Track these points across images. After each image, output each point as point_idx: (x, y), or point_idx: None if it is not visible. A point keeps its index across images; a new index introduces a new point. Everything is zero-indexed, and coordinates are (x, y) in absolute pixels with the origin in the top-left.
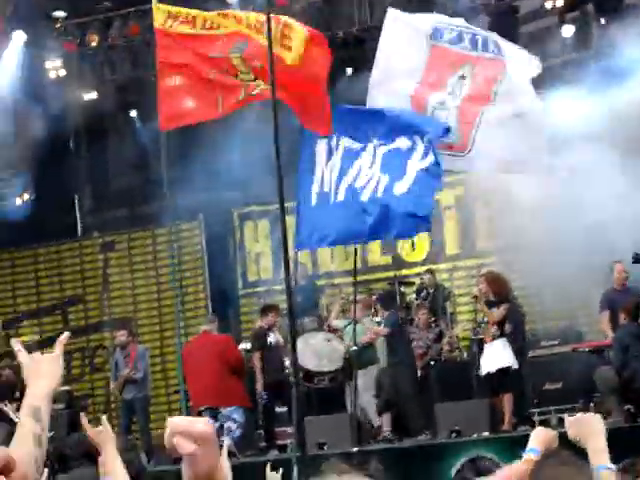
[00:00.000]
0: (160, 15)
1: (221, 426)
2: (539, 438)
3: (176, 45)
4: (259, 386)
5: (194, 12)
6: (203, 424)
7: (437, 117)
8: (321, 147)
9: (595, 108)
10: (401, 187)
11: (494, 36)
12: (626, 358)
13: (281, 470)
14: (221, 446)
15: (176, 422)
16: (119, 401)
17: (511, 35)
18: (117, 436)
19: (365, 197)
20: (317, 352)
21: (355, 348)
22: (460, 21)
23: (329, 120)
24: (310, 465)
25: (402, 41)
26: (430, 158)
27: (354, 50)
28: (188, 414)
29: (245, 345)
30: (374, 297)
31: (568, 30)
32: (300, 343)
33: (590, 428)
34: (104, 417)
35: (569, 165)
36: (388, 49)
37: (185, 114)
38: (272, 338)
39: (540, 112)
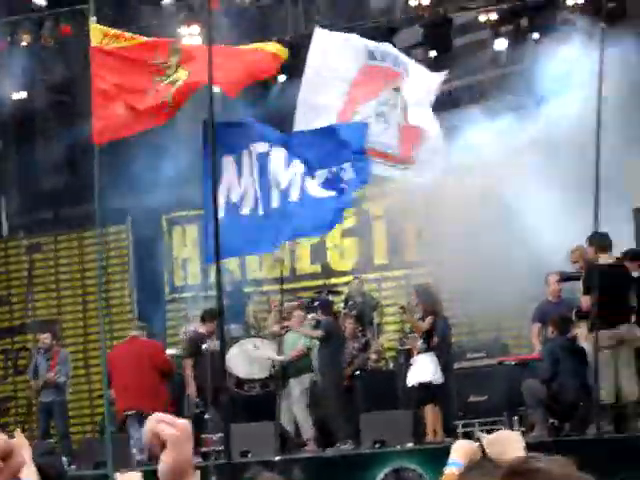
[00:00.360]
0: (97, 34)
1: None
2: (460, 451)
3: (112, 61)
4: (191, 392)
5: (131, 35)
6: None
7: (372, 128)
8: (228, 160)
9: (524, 123)
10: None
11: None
12: (556, 370)
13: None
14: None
15: (159, 415)
16: (37, 404)
17: (444, 46)
18: (36, 440)
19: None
20: (249, 359)
21: (285, 357)
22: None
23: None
24: (232, 473)
25: (330, 58)
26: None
27: (288, 57)
28: (112, 419)
29: (172, 351)
30: (316, 302)
31: (501, 44)
32: (235, 349)
33: (509, 446)
34: (18, 430)
35: (499, 178)
36: (316, 65)
37: (118, 128)
38: (207, 345)
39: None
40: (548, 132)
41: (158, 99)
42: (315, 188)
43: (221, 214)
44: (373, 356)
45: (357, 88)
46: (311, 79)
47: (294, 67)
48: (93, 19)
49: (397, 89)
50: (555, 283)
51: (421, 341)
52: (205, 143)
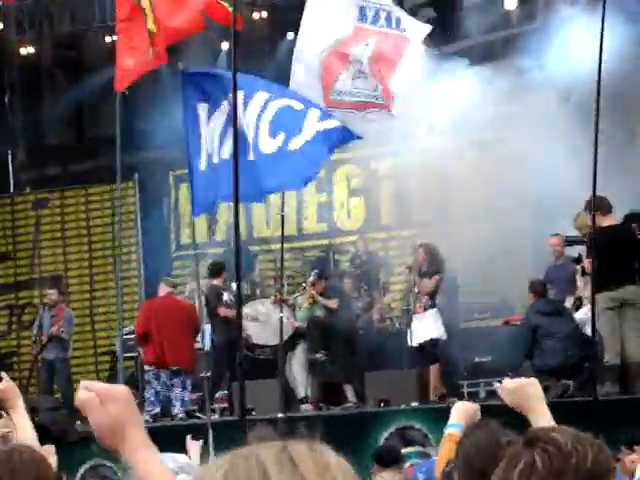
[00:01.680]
0: None
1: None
2: (460, 412)
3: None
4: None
5: None
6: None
7: (357, 84)
8: (201, 108)
9: (536, 82)
10: (296, 143)
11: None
12: (534, 343)
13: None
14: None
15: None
16: (40, 360)
17: (453, 6)
18: (42, 396)
19: (252, 155)
20: (264, 322)
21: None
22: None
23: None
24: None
25: (327, 15)
26: (332, 123)
27: (297, 14)
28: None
29: None
30: (313, 275)
31: (511, 3)
32: (248, 309)
33: (527, 394)
34: (4, 373)
35: (505, 139)
36: (312, 21)
37: (129, 73)
38: (226, 297)
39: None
40: (556, 91)
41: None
42: (313, 124)
43: (202, 166)
44: (377, 316)
45: (343, 48)
46: (304, 36)
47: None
48: None
49: (367, 44)
50: (556, 244)
51: (426, 298)
52: (183, 93)
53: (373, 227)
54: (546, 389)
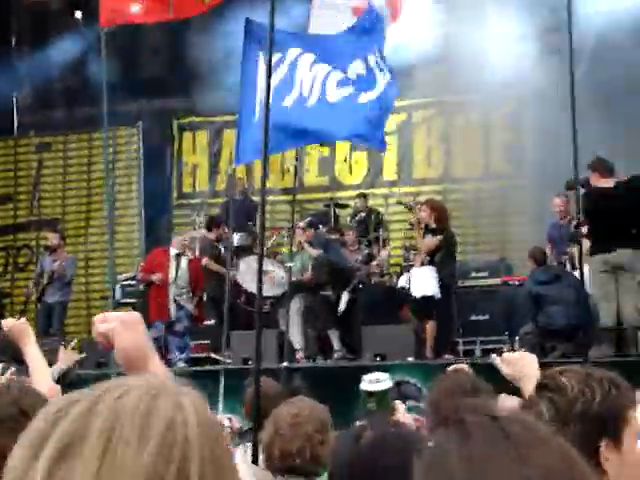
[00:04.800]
0: None
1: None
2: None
3: None
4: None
5: None
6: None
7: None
8: (262, 59)
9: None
10: (368, 96)
11: None
12: (537, 309)
13: None
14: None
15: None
16: (33, 303)
17: None
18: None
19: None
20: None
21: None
22: None
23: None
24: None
25: None
26: (387, 76)
27: None
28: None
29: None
30: (307, 219)
31: None
32: (243, 264)
33: (525, 369)
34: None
35: (515, 100)
36: None
37: (129, 12)
38: (223, 251)
39: None
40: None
41: None
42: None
43: (256, 117)
44: (375, 270)
45: None
46: None
47: None
48: None
49: None
50: (560, 204)
51: (424, 254)
52: (245, 41)
53: (375, 182)
54: (553, 348)
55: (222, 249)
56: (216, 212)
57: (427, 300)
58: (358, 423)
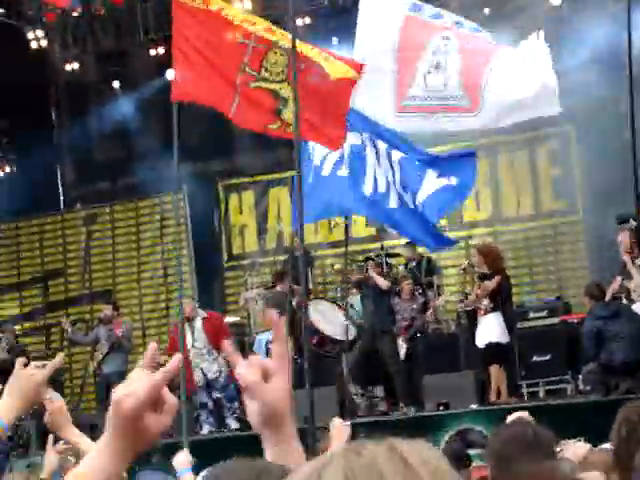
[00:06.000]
0: None
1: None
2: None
3: (191, 19)
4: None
5: None
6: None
7: (432, 82)
8: None
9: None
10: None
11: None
12: (599, 346)
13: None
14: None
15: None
16: (91, 376)
17: None
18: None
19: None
20: (330, 320)
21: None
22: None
23: (341, 137)
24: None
25: (379, 16)
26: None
27: (339, 19)
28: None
29: (232, 318)
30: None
31: None
32: (310, 310)
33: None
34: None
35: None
36: (366, 26)
37: (199, 93)
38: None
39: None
40: None
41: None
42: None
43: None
44: (432, 317)
45: (404, 42)
46: (363, 42)
47: (346, 28)
48: None
49: (446, 37)
50: (626, 238)
51: (487, 301)
52: None
53: None
54: (616, 386)
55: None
56: (277, 269)
57: (494, 345)
58: None
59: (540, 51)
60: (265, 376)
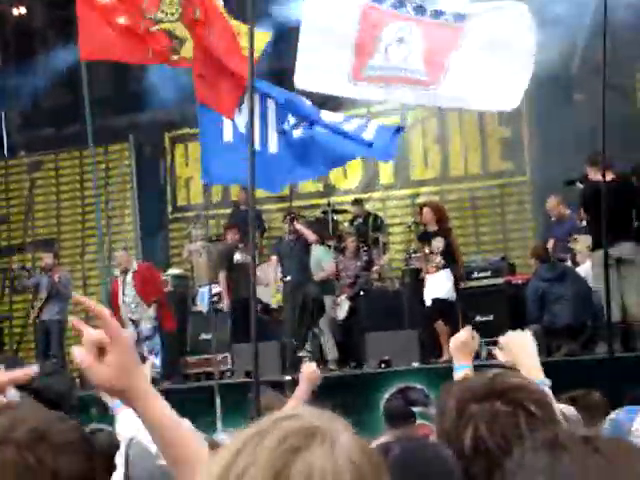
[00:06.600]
0: None
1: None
2: (463, 352)
3: None
4: (225, 305)
5: None
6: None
7: (393, 54)
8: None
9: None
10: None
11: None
12: (542, 305)
13: None
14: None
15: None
16: (33, 324)
17: None
18: (39, 361)
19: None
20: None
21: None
22: None
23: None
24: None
25: (327, 14)
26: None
27: None
28: None
29: (176, 271)
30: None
31: None
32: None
33: (522, 347)
34: None
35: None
36: (312, 26)
37: (109, 48)
38: (238, 256)
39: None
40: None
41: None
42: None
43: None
44: (376, 276)
45: (364, 32)
46: (307, 37)
47: None
48: None
49: (409, 25)
50: (555, 204)
51: (439, 258)
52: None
53: (371, 186)
54: (558, 348)
55: (236, 254)
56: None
57: (441, 303)
58: (383, 438)
59: (522, 19)
60: (101, 352)
